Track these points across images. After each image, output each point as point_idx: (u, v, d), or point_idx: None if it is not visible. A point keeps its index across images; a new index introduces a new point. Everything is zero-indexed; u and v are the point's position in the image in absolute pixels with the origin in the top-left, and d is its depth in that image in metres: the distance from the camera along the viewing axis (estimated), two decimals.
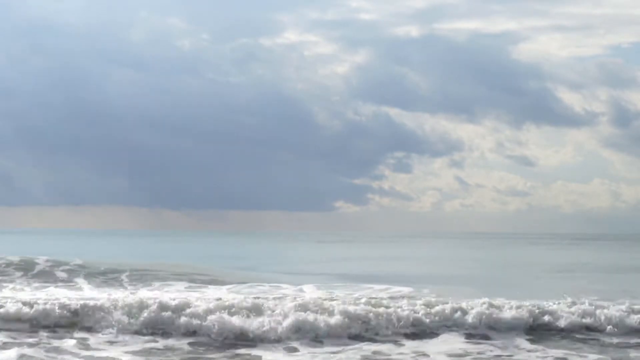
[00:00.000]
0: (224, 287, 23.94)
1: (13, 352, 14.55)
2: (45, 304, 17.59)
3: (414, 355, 15.45)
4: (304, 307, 17.76)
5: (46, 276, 26.01)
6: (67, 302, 17.97)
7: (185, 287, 23.96)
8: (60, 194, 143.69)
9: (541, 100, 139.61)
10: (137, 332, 16.67)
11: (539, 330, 17.88)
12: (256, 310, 17.55)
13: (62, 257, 30.11)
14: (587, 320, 18.13)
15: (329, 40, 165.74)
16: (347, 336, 16.83)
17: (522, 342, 16.83)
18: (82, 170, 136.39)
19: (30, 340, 15.85)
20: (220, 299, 19.19)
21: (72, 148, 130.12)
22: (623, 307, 18.68)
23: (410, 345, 16.30)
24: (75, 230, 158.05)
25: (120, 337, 16.39)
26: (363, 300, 19.33)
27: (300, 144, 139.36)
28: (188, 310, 17.37)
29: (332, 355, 15.29)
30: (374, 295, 21.62)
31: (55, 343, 15.71)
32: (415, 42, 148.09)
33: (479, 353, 15.66)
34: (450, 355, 15.39)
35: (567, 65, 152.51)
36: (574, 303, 18.97)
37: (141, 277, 26.22)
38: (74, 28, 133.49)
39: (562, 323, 17.96)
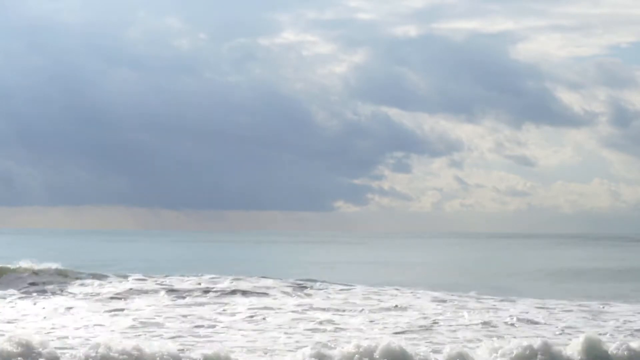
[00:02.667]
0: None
1: None
2: None
3: None
4: None
5: None
6: None
7: None
8: (60, 194, 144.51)
9: (540, 100, 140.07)
10: None
11: None
12: None
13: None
14: None
15: (327, 40, 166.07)
16: None
17: None
18: (81, 170, 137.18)
19: None
20: None
21: (71, 148, 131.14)
22: None
23: None
24: (81, 231, 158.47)
25: None
26: None
27: (299, 144, 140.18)
28: None
29: None
30: None
31: None
32: (413, 42, 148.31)
33: None
34: None
35: (566, 65, 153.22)
36: None
37: None
38: (72, 27, 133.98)
39: None
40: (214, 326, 19.38)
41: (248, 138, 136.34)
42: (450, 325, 20.03)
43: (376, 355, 14.47)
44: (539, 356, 14.95)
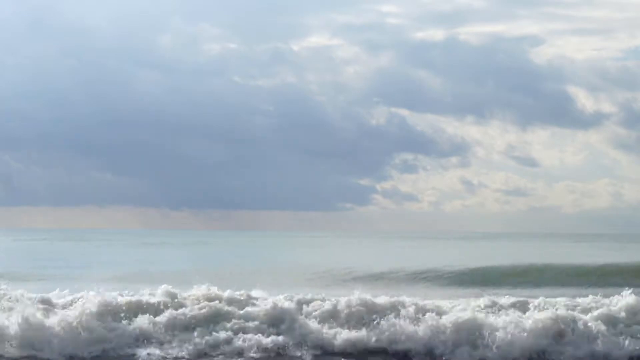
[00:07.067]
0: None
1: None
2: None
3: None
4: None
5: None
6: None
7: None
8: (68, 194, 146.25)
9: (552, 102, 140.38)
10: None
11: None
12: None
13: None
14: None
15: (353, 43, 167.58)
16: None
17: None
18: (91, 171, 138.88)
19: None
20: None
21: (84, 149, 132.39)
22: None
23: None
24: (101, 231, 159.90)
25: None
26: None
27: (311, 146, 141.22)
28: None
29: None
30: None
31: None
32: (437, 45, 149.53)
33: None
34: None
35: (584, 68, 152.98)
36: None
37: None
38: (105, 31, 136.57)
39: None
40: None
41: (260, 139, 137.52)
42: None
43: None
44: None
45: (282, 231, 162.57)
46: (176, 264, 43.43)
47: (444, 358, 16.63)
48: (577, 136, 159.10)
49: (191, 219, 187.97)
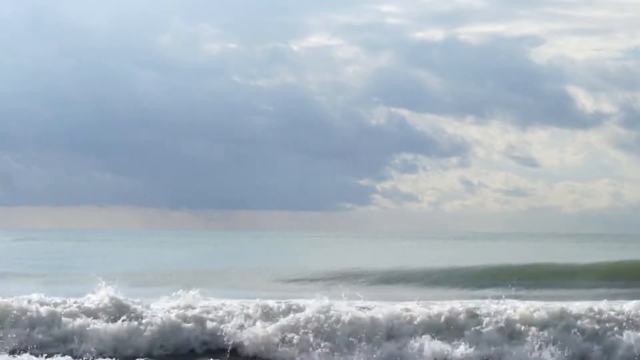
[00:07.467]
0: None
1: None
2: None
3: None
4: None
5: None
6: None
7: None
8: (68, 194, 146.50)
9: (552, 102, 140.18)
10: None
11: None
12: None
13: None
14: None
15: (353, 43, 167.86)
16: None
17: None
18: (90, 171, 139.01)
19: None
20: None
21: (83, 149, 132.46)
22: None
23: None
24: (105, 231, 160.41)
25: None
26: None
27: (310, 146, 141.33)
28: None
29: None
30: None
31: None
32: (437, 45, 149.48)
33: None
34: None
35: (584, 68, 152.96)
36: None
37: None
38: (105, 31, 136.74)
39: None
40: None
41: (260, 139, 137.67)
42: None
43: None
44: None
45: (282, 231, 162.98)
46: (174, 265, 43.98)
47: None
48: (577, 136, 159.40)
49: (191, 219, 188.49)
